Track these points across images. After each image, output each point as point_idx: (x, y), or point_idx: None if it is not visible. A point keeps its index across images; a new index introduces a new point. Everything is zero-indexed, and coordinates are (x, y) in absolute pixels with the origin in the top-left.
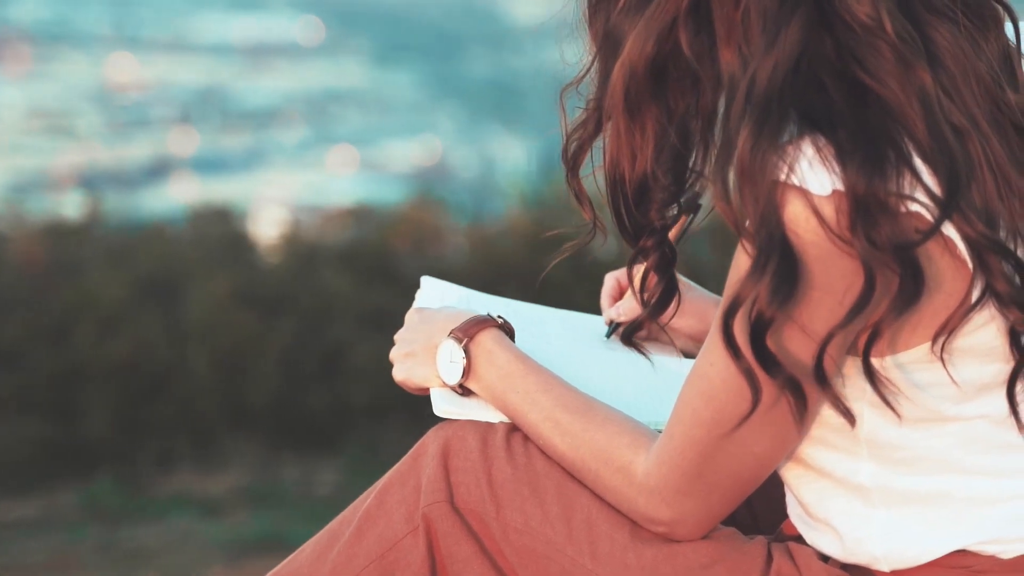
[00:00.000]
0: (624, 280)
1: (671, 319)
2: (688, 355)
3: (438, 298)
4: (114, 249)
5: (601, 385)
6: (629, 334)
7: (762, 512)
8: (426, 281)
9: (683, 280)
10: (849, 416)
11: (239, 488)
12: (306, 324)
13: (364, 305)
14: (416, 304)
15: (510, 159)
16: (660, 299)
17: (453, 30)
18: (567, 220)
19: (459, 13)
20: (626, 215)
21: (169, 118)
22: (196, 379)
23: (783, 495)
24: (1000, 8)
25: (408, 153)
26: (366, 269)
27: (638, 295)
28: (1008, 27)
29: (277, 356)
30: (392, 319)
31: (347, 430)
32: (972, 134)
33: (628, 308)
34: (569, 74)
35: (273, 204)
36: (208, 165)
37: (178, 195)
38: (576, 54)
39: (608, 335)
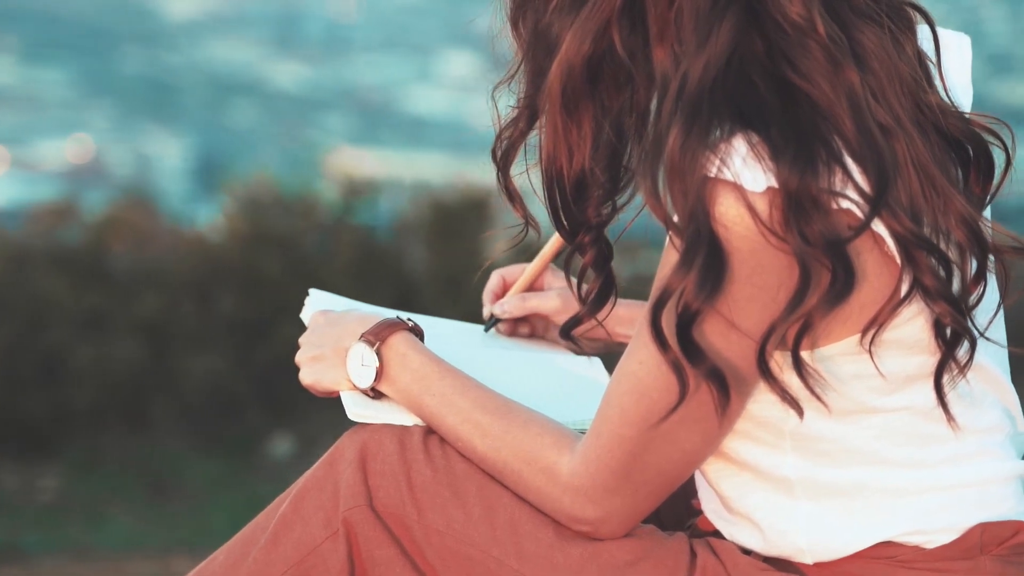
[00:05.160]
0: (509, 278)
1: (607, 315)
2: (575, 352)
3: (324, 309)
4: None
5: (505, 386)
6: (567, 331)
7: (665, 511)
8: (313, 293)
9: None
10: (797, 408)
11: None
12: (20, 328)
13: (80, 307)
14: (303, 316)
15: (166, 156)
16: (598, 295)
17: (105, 26)
18: (283, 218)
19: (111, 9)
20: (563, 212)
21: None
22: None
23: (684, 493)
24: (913, 11)
25: (60, 152)
26: (78, 271)
27: (575, 291)
28: (922, 30)
29: None
30: (110, 321)
31: (67, 435)
32: (898, 134)
33: (513, 305)
34: (220, 71)
35: None
36: None
37: None
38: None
39: (486, 329)
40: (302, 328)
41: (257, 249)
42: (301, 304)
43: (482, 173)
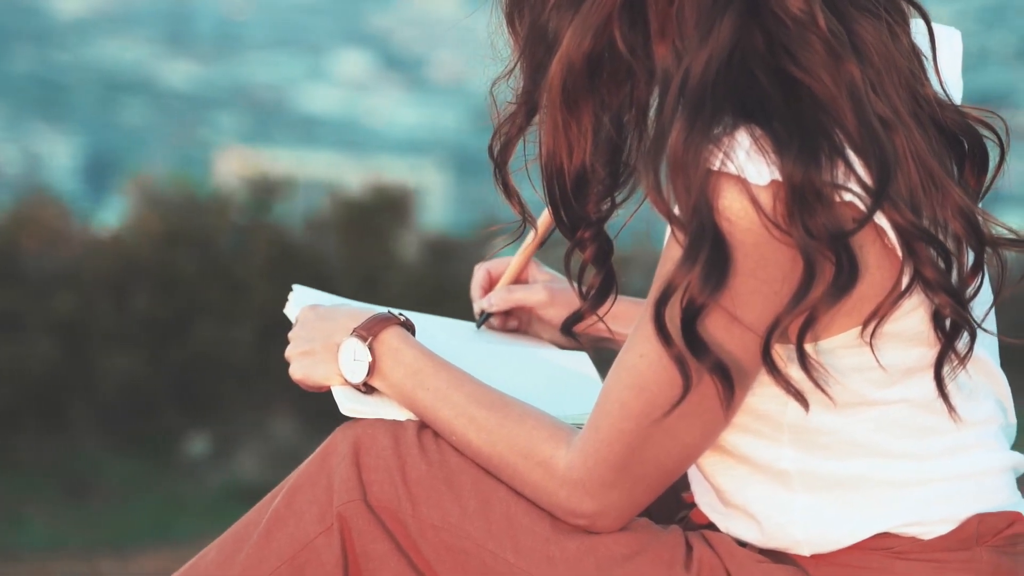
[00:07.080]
0: (495, 272)
1: (608, 311)
2: (559, 346)
3: (312, 304)
4: None
5: (496, 381)
6: (568, 327)
7: (655, 504)
8: (297, 289)
9: (555, 274)
10: (803, 401)
11: None
12: None
13: None
14: (287, 311)
15: (56, 155)
16: (599, 291)
17: None
18: (196, 217)
19: (0, 7)
20: (563, 208)
21: None
22: None
23: (675, 486)
24: (908, 5)
25: None
26: None
27: (576, 287)
28: (915, 23)
29: None
30: (22, 320)
31: None
32: (897, 127)
33: (500, 298)
34: (110, 70)
35: None
36: None
37: None
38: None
39: (478, 325)
40: (219, 328)
41: (169, 248)
42: (217, 303)
43: (377, 171)
